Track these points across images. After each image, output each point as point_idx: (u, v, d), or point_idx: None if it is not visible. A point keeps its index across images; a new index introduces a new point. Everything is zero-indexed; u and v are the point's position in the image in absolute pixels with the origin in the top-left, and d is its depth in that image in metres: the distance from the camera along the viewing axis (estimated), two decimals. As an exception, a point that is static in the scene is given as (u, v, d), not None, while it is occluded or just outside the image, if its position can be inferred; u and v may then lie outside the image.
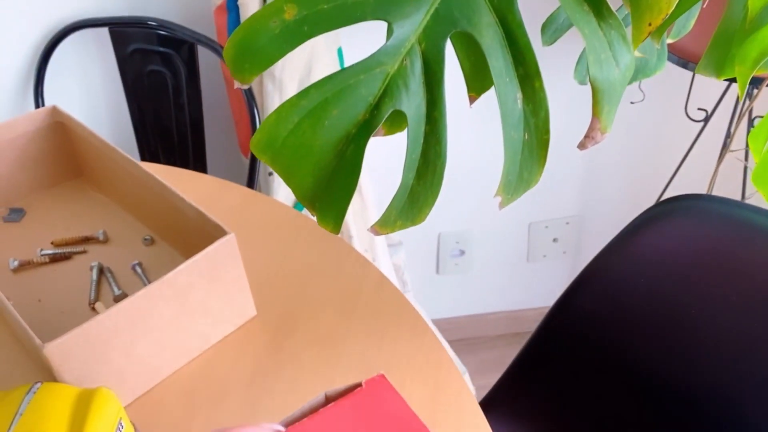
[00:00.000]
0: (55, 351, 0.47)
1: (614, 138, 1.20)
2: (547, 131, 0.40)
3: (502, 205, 0.42)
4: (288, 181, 0.40)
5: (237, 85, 0.40)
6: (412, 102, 0.39)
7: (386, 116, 0.39)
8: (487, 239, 1.33)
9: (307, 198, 0.41)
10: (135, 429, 0.49)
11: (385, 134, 0.54)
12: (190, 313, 0.54)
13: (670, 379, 0.66)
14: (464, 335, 1.43)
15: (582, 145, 0.41)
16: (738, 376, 0.63)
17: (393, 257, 1.10)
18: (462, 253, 1.33)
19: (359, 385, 0.32)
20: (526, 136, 0.40)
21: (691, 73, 1.06)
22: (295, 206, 0.87)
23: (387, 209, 0.42)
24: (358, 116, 0.39)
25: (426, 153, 0.40)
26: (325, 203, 0.41)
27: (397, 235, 1.13)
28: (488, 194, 1.27)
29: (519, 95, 0.39)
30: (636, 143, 1.20)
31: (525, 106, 0.40)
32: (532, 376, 0.75)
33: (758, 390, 0.62)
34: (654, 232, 0.68)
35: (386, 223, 0.42)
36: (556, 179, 1.25)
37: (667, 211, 0.67)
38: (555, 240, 1.34)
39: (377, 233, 0.42)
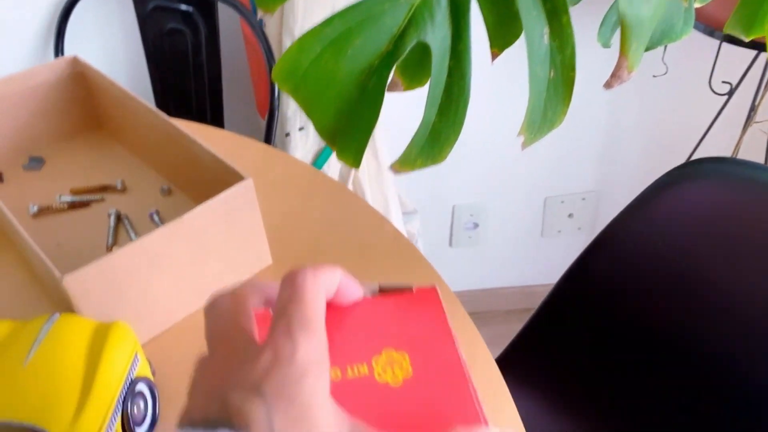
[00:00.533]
0: (73, 283, 0.47)
1: (634, 112, 1.18)
2: (573, 68, 0.39)
3: (524, 145, 0.42)
4: (309, 113, 0.40)
5: (260, 14, 0.39)
6: (437, 34, 0.38)
7: (410, 48, 0.38)
8: (502, 212, 1.32)
9: (328, 130, 0.40)
10: (150, 365, 0.50)
11: (404, 89, 0.54)
12: (206, 257, 0.55)
13: (685, 344, 0.66)
14: (476, 309, 1.43)
15: (608, 85, 0.40)
16: (756, 343, 0.62)
17: (407, 225, 1.10)
18: (476, 225, 1.32)
19: (410, 288, 0.31)
20: (552, 74, 0.40)
21: (716, 45, 1.04)
22: (314, 164, 0.87)
23: (407, 147, 0.41)
24: (381, 47, 0.38)
25: (449, 89, 0.40)
26: (345, 136, 0.40)
27: (412, 203, 1.13)
28: (504, 167, 1.26)
29: (546, 30, 0.39)
30: (657, 118, 1.19)
31: (551, 42, 0.39)
32: (544, 337, 0.74)
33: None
34: (674, 195, 0.67)
35: (406, 161, 0.42)
36: (574, 153, 1.24)
37: (688, 173, 0.66)
38: (570, 216, 1.34)
39: (396, 172, 0.42)
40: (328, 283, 0.27)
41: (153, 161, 0.70)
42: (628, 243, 0.70)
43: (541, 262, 1.42)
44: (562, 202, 1.31)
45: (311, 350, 0.24)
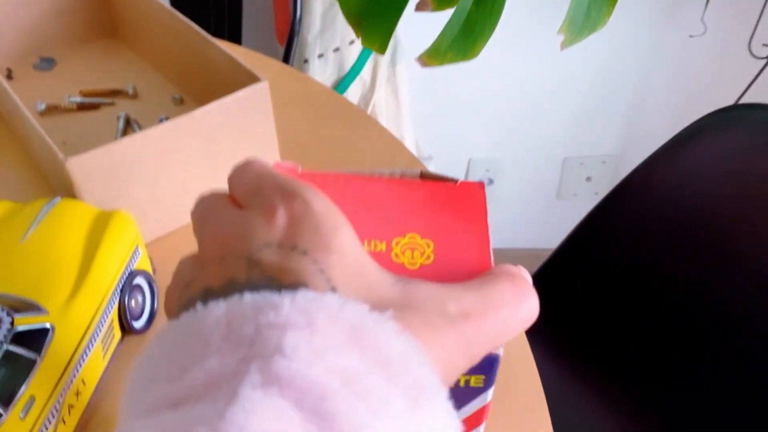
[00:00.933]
0: (77, 167, 0.45)
1: (666, 73, 1.14)
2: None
3: (563, 45, 0.39)
4: (336, -11, 0.37)
5: None
6: None
7: None
8: (519, 170, 1.29)
9: (355, 13, 0.38)
10: (152, 263, 0.48)
11: (433, 9, 0.51)
12: (215, 158, 0.52)
13: (705, 298, 0.63)
14: (483, 268, 1.41)
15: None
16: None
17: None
18: (491, 182, 1.30)
19: (455, 181, 0.29)
20: (601, -35, 0.36)
21: (759, 6, 0.99)
22: (336, 88, 0.84)
23: (438, 37, 0.39)
24: None
25: (488, -26, 0.37)
26: (372, 20, 0.38)
27: (428, 150, 1.10)
28: (524, 123, 1.23)
29: None
30: (689, 80, 1.14)
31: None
32: (556, 287, 0.72)
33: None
34: (704, 143, 0.64)
35: (436, 53, 0.39)
36: (598, 113, 1.20)
37: (720, 120, 0.63)
38: (588, 179, 1.30)
39: (424, 65, 0.39)
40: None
41: (167, 70, 0.68)
42: (652, 193, 0.67)
43: (555, 226, 1.39)
44: (582, 163, 1.28)
45: (325, 200, 0.21)
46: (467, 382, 0.24)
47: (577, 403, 0.69)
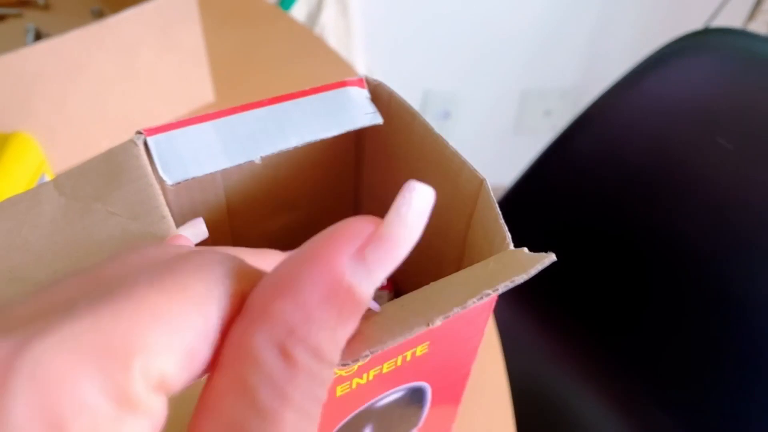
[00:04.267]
0: (-36, 80, 0.39)
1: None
2: None
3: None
4: None
5: None
6: None
7: None
8: (475, 104, 1.25)
9: None
10: (63, 192, 0.43)
11: None
12: (134, 76, 0.46)
13: (661, 231, 0.62)
14: (438, 204, 1.39)
15: None
16: (740, 243, 0.59)
17: (375, 101, 1.01)
18: (447, 115, 1.25)
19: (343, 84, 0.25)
20: None
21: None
22: (280, 4, 0.77)
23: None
24: None
25: None
26: None
27: (381, 75, 1.04)
28: (482, 53, 1.17)
29: None
30: (655, 3, 1.10)
31: None
32: (517, 219, 0.70)
33: (763, 260, 0.58)
34: (670, 71, 0.61)
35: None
36: (558, 42, 1.16)
37: (689, 46, 0.60)
38: (547, 113, 1.27)
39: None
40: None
41: (83, -22, 0.60)
42: (613, 125, 0.64)
43: (512, 162, 1.37)
44: (540, 97, 1.24)
45: None
46: None
47: (534, 341, 0.67)
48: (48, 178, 0.40)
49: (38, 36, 0.56)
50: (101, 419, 0.11)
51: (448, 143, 0.21)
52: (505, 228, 0.18)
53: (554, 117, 1.28)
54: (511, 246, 0.17)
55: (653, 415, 0.59)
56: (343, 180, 0.26)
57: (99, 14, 0.58)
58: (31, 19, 0.58)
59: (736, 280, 0.59)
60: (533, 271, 0.16)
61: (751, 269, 0.58)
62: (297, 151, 0.24)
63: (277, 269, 0.13)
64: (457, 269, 0.23)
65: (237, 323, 0.12)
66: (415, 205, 0.13)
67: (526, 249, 0.17)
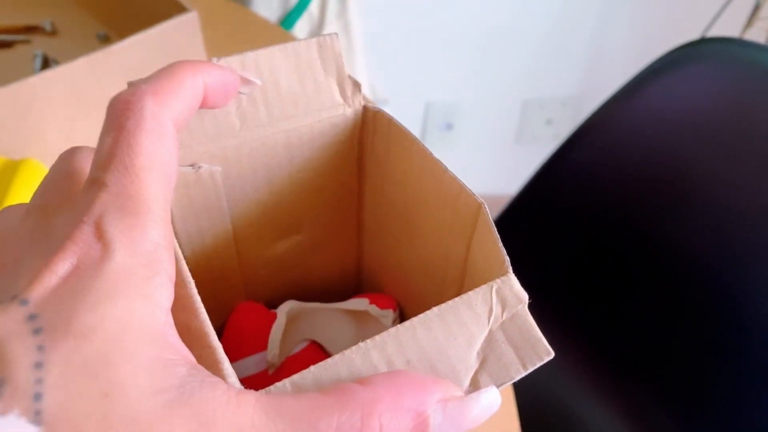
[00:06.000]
0: (-25, 110, 0.40)
1: (627, 8, 1.10)
2: None
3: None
4: None
5: None
6: None
7: None
8: (477, 114, 1.25)
9: None
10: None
11: None
12: (142, 99, 0.47)
13: (666, 240, 0.62)
14: (443, 215, 1.39)
15: None
16: (742, 245, 0.59)
17: (377, 115, 1.02)
18: (449, 126, 1.26)
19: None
20: None
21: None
22: (282, 24, 0.78)
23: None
24: None
25: None
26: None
27: (384, 92, 1.05)
28: (483, 63, 1.18)
29: None
30: (653, 14, 1.11)
31: None
32: (519, 230, 0.70)
33: (764, 264, 0.58)
34: (670, 79, 0.61)
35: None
36: (558, 52, 1.16)
37: (688, 55, 0.60)
38: (549, 122, 1.28)
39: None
40: (183, 105, 0.17)
41: (89, 4, 0.61)
42: (615, 131, 0.64)
43: (515, 172, 1.37)
44: (542, 106, 1.25)
45: (136, 252, 0.14)
46: None
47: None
48: (58, 202, 0.41)
49: (46, 61, 0.57)
50: None
51: (446, 168, 0.22)
52: (504, 252, 0.18)
53: (556, 126, 1.28)
54: (510, 271, 0.18)
55: (658, 420, 0.60)
56: (346, 204, 0.27)
57: (105, 39, 0.60)
58: (39, 44, 0.59)
59: (739, 288, 0.59)
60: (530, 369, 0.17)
61: (754, 277, 0.58)
62: (301, 176, 0.25)
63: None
64: (459, 292, 0.23)
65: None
66: (490, 403, 0.16)
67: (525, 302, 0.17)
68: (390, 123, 0.24)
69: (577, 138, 0.66)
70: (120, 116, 0.15)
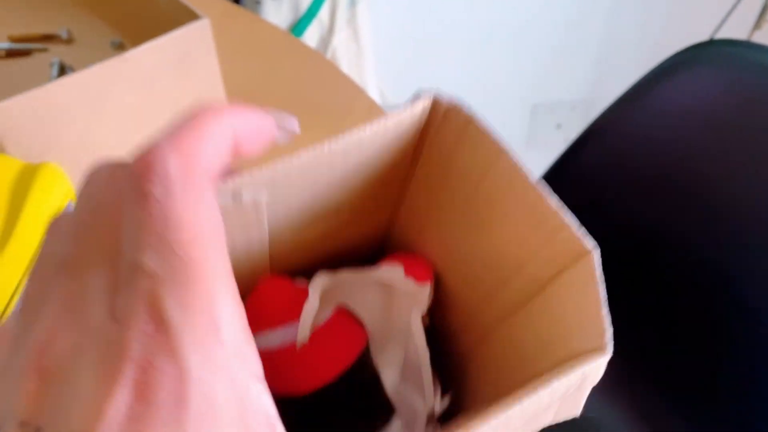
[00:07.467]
0: (0, 115, 0.41)
1: (637, 10, 1.11)
2: None
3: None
4: None
5: None
6: None
7: None
8: (486, 119, 1.26)
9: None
10: (88, 219, 0.45)
11: None
12: (154, 104, 0.48)
13: (675, 242, 0.62)
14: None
15: None
16: (752, 247, 0.59)
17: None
18: (459, 131, 1.27)
19: None
20: None
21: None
22: (292, 31, 0.79)
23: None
24: None
25: None
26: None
27: (393, 97, 1.06)
28: (493, 69, 1.19)
29: None
30: (662, 18, 1.11)
31: None
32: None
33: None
34: (679, 81, 0.61)
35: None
36: (567, 56, 1.17)
37: (696, 57, 0.60)
38: (558, 126, 1.28)
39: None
40: (214, 152, 0.14)
41: (104, 12, 0.63)
42: (623, 133, 0.65)
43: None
44: (552, 110, 1.25)
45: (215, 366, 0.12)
46: None
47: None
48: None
49: (62, 68, 0.58)
50: None
51: (547, 196, 0.21)
52: (607, 323, 0.17)
53: (566, 130, 1.29)
54: (610, 349, 0.17)
55: (671, 423, 0.59)
56: (391, 188, 0.27)
57: (119, 46, 0.61)
58: (56, 52, 0.60)
59: (752, 290, 0.59)
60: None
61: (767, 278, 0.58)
62: (351, 176, 0.24)
63: None
64: (524, 302, 0.23)
65: None
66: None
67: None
68: (469, 122, 0.24)
69: (585, 140, 0.67)
70: (144, 184, 0.13)
